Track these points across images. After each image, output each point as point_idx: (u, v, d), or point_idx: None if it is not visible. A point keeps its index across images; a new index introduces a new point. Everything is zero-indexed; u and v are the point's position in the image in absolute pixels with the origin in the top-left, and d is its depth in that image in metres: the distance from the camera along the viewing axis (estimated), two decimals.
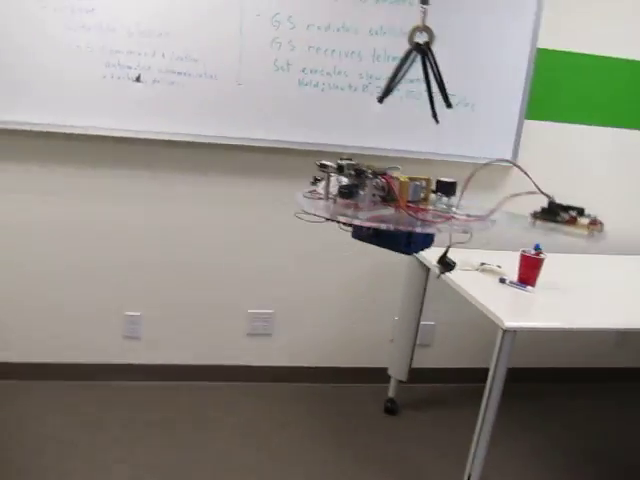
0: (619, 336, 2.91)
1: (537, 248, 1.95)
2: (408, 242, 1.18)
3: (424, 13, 1.35)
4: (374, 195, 1.17)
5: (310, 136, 2.34)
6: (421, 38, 1.36)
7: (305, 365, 2.67)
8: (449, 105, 1.42)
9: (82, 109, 2.16)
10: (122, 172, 2.33)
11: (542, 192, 1.25)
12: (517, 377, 2.53)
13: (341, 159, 1.19)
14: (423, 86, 2.30)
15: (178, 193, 2.38)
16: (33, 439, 2.11)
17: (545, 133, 2.55)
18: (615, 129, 2.61)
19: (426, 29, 1.36)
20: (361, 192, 1.17)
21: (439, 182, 1.30)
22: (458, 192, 1.30)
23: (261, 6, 2.17)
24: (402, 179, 1.18)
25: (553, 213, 1.26)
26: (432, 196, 1.31)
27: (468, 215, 1.23)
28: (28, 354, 2.46)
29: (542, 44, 2.39)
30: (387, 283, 2.62)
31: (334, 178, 1.21)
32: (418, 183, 1.23)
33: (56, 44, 2.09)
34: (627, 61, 2.52)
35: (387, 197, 1.17)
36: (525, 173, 1.29)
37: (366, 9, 2.23)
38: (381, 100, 1.42)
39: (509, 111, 2.45)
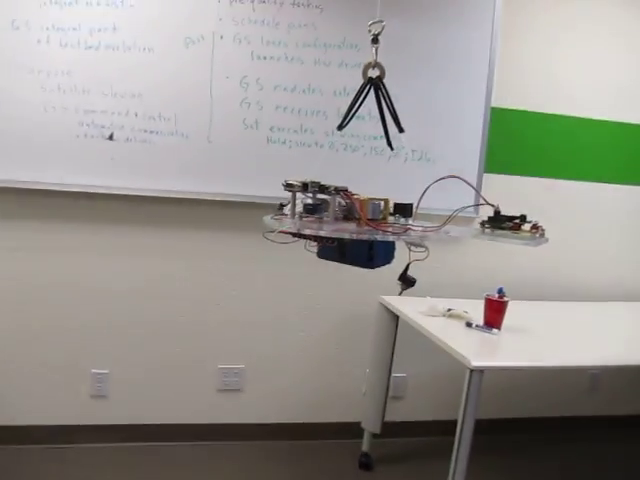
0: (592, 382, 2.95)
1: (500, 291, 2.01)
2: (370, 256, 1.23)
3: (375, 51, 1.48)
4: (336, 210, 1.24)
5: (279, 191, 2.41)
6: (374, 73, 1.48)
7: (277, 422, 2.63)
8: (401, 130, 1.53)
9: (56, 166, 2.21)
10: (91, 227, 2.35)
11: (488, 203, 1.35)
12: (490, 429, 2.56)
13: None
14: (384, 141, 2.45)
15: (146, 248, 2.41)
16: None
17: (504, 185, 2.67)
18: (570, 181, 2.77)
19: (378, 65, 1.48)
20: (324, 208, 1.24)
21: (396, 204, 1.39)
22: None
23: (230, 69, 2.29)
24: (362, 198, 1.25)
25: (499, 221, 1.36)
26: (390, 218, 1.38)
27: (424, 227, 1.30)
28: None
29: (495, 103, 2.57)
30: (357, 335, 2.63)
31: (299, 200, 1.27)
32: (377, 203, 1.30)
33: (31, 104, 2.16)
34: (574, 118, 2.70)
35: (349, 214, 1.25)
36: (472, 186, 1.37)
37: (330, 72, 2.37)
38: (339, 128, 1.51)
39: (469, 165, 2.58)
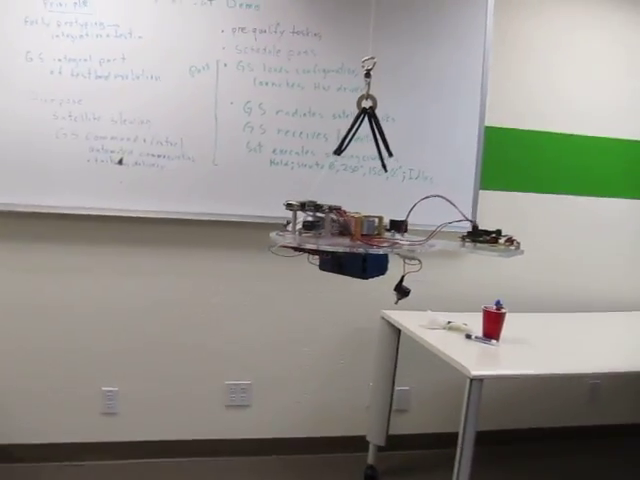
0: (593, 392, 3.00)
1: (498, 304, 2.08)
2: (364, 267, 1.33)
3: (368, 84, 1.62)
4: (332, 227, 1.35)
5: (282, 210, 2.49)
6: (367, 104, 1.61)
7: (284, 436, 2.68)
8: (390, 154, 1.63)
9: (68, 191, 2.30)
10: (101, 249, 2.43)
11: (467, 219, 1.45)
12: (492, 441, 2.61)
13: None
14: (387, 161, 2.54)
15: (154, 268, 2.49)
16: None
17: (500, 201, 2.77)
18: (566, 195, 2.86)
19: (370, 97, 1.61)
20: (322, 225, 1.36)
21: (392, 221, 1.49)
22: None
23: (234, 95, 2.39)
24: (357, 216, 1.36)
25: (477, 235, 1.46)
26: (387, 234, 1.48)
27: (411, 241, 1.41)
28: (3, 436, 2.41)
29: (489, 122, 2.66)
30: (361, 350, 2.69)
31: (301, 218, 1.38)
32: (371, 220, 1.40)
33: (44, 132, 2.25)
34: (567, 135, 2.81)
35: (344, 230, 1.35)
36: (452, 204, 1.46)
37: (329, 96, 2.47)
38: (337, 153, 1.64)
39: (465, 183, 2.67)
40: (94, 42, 2.26)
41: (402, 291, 1.52)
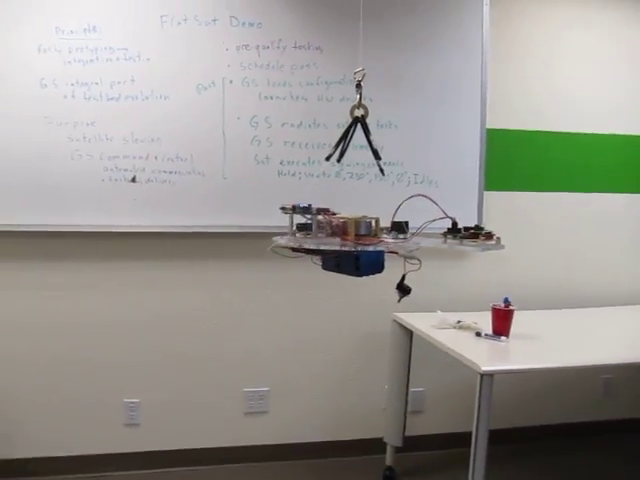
0: (606, 387, 3.02)
1: (506, 301, 2.13)
2: (357, 265, 1.40)
3: (360, 95, 1.71)
4: (321, 228, 1.44)
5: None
6: (359, 112, 1.70)
7: (302, 441, 2.73)
8: (378, 158, 1.71)
9: (83, 210, 2.38)
10: (118, 264, 2.51)
11: (447, 216, 1.51)
12: (506, 439, 2.65)
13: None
14: (389, 168, 2.61)
15: (172, 281, 2.56)
16: None
17: (505, 201, 2.82)
18: (568, 193, 2.91)
19: (362, 106, 1.69)
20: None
21: (393, 222, 1.55)
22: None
23: (240, 110, 2.48)
24: (351, 217, 1.44)
25: (457, 231, 1.52)
26: (384, 235, 1.54)
27: (395, 238, 1.49)
28: (27, 450, 2.49)
29: (490, 125, 2.72)
30: (375, 353, 2.74)
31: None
32: (367, 221, 1.46)
33: (60, 153, 2.35)
34: (567, 133, 2.86)
35: (336, 230, 1.44)
36: (434, 202, 1.52)
37: (332, 107, 2.54)
38: (327, 159, 1.73)
39: (469, 185, 2.73)
40: (104, 66, 2.36)
41: (403, 289, 1.58)
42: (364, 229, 1.44)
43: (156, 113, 2.41)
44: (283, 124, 2.53)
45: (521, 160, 2.83)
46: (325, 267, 1.52)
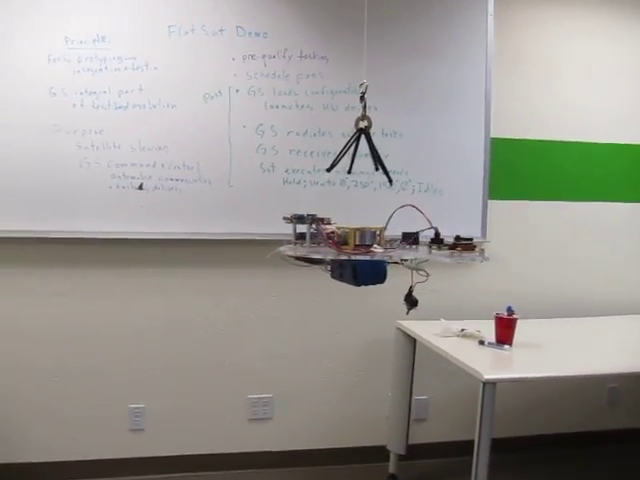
0: (611, 396, 3.01)
1: (509, 309, 2.13)
2: (354, 275, 1.43)
3: (363, 107, 1.74)
4: (314, 237, 1.50)
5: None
6: (363, 124, 1.74)
7: (306, 448, 2.74)
8: (377, 168, 1.74)
9: (91, 217, 2.41)
10: (126, 271, 2.54)
11: (432, 226, 1.55)
12: (510, 447, 2.65)
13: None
14: (393, 177, 2.63)
15: (177, 287, 2.58)
16: None
17: (509, 210, 2.83)
18: (573, 202, 2.91)
19: (366, 118, 1.73)
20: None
21: (403, 234, 1.59)
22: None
23: (246, 119, 2.50)
24: (350, 228, 1.48)
25: (440, 241, 1.56)
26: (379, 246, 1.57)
27: (385, 248, 1.51)
28: (32, 454, 2.51)
29: (495, 134, 2.74)
30: (378, 361, 2.74)
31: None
32: (367, 231, 1.50)
33: (68, 161, 2.38)
34: (571, 142, 2.87)
35: (339, 239, 1.47)
36: (420, 212, 1.55)
37: (338, 116, 2.56)
38: (329, 170, 1.77)
39: (474, 193, 2.74)
40: (113, 75, 2.39)
41: (410, 301, 1.59)
42: (366, 239, 1.46)
43: (163, 121, 2.44)
44: (289, 133, 2.55)
45: (525, 169, 2.85)
46: (332, 276, 1.55)
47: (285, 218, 1.57)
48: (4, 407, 2.48)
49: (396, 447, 2.59)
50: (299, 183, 2.58)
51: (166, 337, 2.59)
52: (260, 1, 2.50)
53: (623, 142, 2.93)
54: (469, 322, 2.38)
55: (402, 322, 2.49)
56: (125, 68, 2.40)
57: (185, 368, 2.61)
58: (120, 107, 2.41)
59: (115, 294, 2.54)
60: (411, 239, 1.54)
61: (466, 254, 1.50)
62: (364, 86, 1.74)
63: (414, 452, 2.64)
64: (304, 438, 2.75)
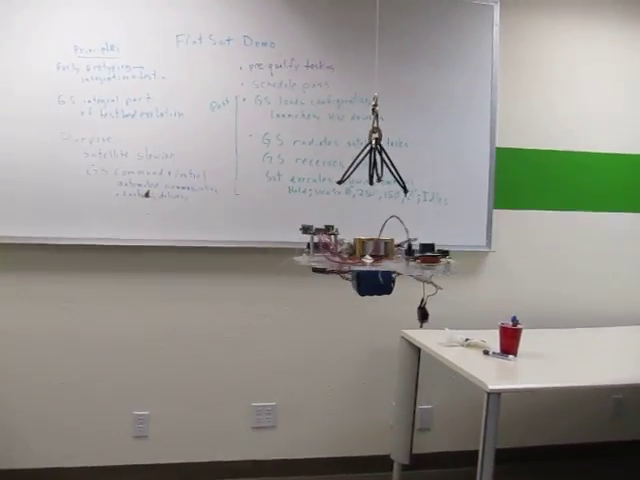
0: (616, 407, 2.99)
1: (514, 319, 2.13)
2: (358, 284, 1.46)
3: (375, 119, 1.76)
4: (317, 248, 1.56)
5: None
6: (374, 136, 1.76)
7: (310, 457, 2.73)
8: (379, 179, 1.75)
9: (97, 224, 2.43)
10: (131, 278, 2.55)
11: (409, 238, 1.61)
12: (514, 457, 2.64)
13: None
14: (398, 186, 2.63)
15: (183, 294, 2.59)
16: None
17: (514, 219, 2.84)
18: (579, 212, 2.92)
19: (377, 130, 1.75)
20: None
21: (421, 244, 1.62)
22: None
23: (253, 127, 2.52)
24: (359, 239, 1.54)
25: (411, 253, 1.59)
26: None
27: (372, 263, 1.54)
28: (37, 460, 2.51)
29: (500, 143, 2.75)
30: (383, 370, 2.74)
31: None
32: (370, 242, 1.55)
33: (76, 168, 2.40)
34: (577, 153, 2.88)
35: (349, 249, 1.54)
36: (401, 222, 1.62)
37: (343, 125, 2.59)
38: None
39: (479, 203, 2.75)
40: (121, 83, 2.42)
41: (421, 314, 1.61)
42: (369, 249, 1.49)
43: (170, 130, 2.46)
44: (295, 142, 2.57)
45: (530, 179, 2.85)
46: (352, 286, 1.58)
47: (301, 228, 1.65)
48: (8, 414, 2.49)
49: (400, 457, 2.58)
50: (305, 192, 2.60)
51: (171, 344, 2.59)
52: (267, 11, 2.52)
53: (628, 152, 2.93)
54: (474, 332, 2.37)
55: (406, 331, 2.49)
56: (133, 77, 2.43)
57: (189, 375, 2.62)
58: (128, 115, 2.43)
59: (120, 301, 2.55)
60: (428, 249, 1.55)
61: (427, 268, 1.51)
62: (375, 98, 1.75)
63: (418, 462, 2.63)
64: (308, 447, 2.74)
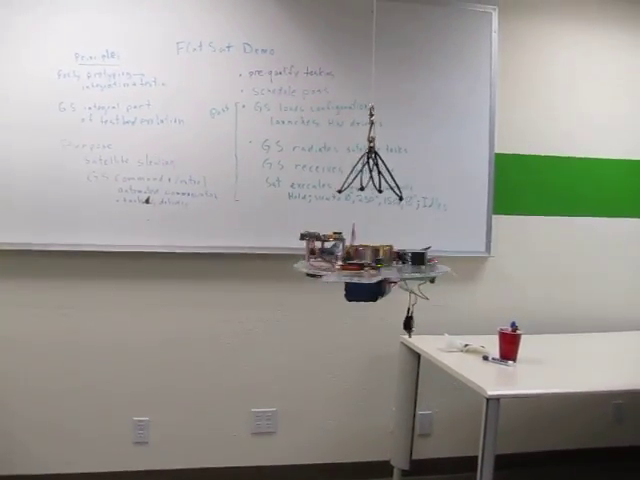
0: (617, 413, 2.99)
1: (513, 325, 2.13)
2: (346, 290, 1.48)
3: (370, 127, 1.77)
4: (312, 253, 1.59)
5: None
6: (369, 146, 1.77)
7: (310, 462, 2.73)
8: (380, 191, 1.74)
9: (98, 230, 2.44)
10: (132, 284, 2.55)
11: (354, 245, 1.64)
12: (514, 463, 2.64)
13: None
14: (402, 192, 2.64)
15: (183, 301, 2.60)
16: None
17: (513, 225, 2.84)
18: (578, 217, 2.92)
19: (373, 140, 1.76)
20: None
21: (412, 253, 1.63)
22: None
23: (253, 134, 2.53)
24: (350, 245, 1.58)
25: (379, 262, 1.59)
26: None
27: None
28: (37, 467, 2.51)
29: (499, 149, 2.76)
30: (383, 376, 2.74)
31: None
32: (363, 249, 1.57)
33: (77, 175, 2.41)
34: (576, 158, 2.88)
35: (350, 256, 1.55)
36: (353, 230, 1.69)
37: (343, 131, 2.60)
38: (340, 191, 1.80)
39: (478, 208, 2.75)
40: (121, 90, 2.43)
41: (404, 324, 1.64)
42: (361, 256, 1.54)
43: (170, 136, 2.47)
44: (294, 148, 2.58)
45: (530, 184, 2.85)
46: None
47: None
48: (9, 419, 2.49)
49: (400, 462, 2.58)
50: (304, 198, 2.60)
51: (171, 350, 2.60)
52: (267, 18, 2.54)
53: (628, 158, 2.94)
54: (473, 337, 2.38)
55: (406, 337, 2.49)
56: (134, 84, 2.44)
57: (189, 381, 2.62)
58: (128, 122, 2.44)
59: (120, 307, 2.56)
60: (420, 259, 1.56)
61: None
62: (371, 108, 1.76)
63: (418, 467, 2.63)
64: (307, 452, 2.74)
